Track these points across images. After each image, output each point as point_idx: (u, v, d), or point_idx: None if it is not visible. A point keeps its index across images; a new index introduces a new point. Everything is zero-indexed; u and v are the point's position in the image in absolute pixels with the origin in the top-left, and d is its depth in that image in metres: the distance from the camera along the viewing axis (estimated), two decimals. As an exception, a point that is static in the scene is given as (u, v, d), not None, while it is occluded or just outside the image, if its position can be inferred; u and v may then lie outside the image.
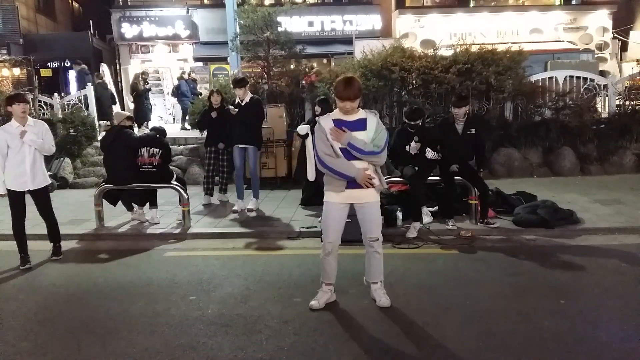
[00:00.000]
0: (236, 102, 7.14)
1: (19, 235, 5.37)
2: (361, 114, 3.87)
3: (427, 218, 5.98)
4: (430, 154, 5.89)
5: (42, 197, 5.47)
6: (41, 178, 5.42)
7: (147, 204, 6.84)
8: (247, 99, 7.07)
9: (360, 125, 3.81)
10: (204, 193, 7.81)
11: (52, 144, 5.50)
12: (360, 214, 3.96)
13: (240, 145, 7.15)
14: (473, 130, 6.04)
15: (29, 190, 5.34)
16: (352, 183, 3.82)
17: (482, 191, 6.11)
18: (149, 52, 18.40)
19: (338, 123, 3.82)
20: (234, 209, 7.25)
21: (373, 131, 3.79)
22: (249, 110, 7.00)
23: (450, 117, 6.24)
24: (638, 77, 10.36)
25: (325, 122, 3.87)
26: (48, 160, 9.76)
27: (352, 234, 5.81)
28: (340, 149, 3.78)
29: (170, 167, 7.29)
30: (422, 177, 6.00)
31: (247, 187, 7.54)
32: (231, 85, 10.16)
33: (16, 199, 5.31)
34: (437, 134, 6.19)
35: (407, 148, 5.99)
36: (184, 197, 6.49)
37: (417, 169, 5.95)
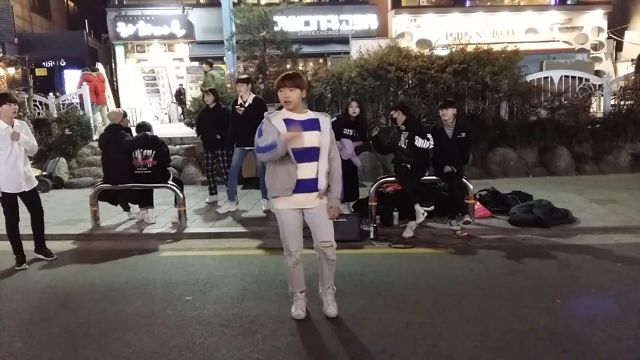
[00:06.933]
0: (239, 102, 6.92)
1: (14, 236, 5.33)
2: (311, 114, 3.64)
3: (421, 218, 5.93)
4: (419, 142, 5.83)
5: (35, 197, 5.44)
6: (33, 178, 5.41)
7: (144, 204, 6.82)
8: (250, 100, 6.85)
9: (314, 125, 3.56)
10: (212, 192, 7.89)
11: (36, 143, 5.48)
12: (309, 219, 3.70)
13: (247, 148, 6.85)
14: (463, 134, 6.07)
15: (22, 192, 5.27)
16: (297, 188, 3.55)
17: (459, 196, 6.12)
18: (144, 52, 18.35)
19: (289, 122, 3.51)
20: (221, 210, 7.12)
21: (328, 133, 3.57)
22: (253, 111, 6.71)
23: (439, 123, 6.27)
24: (633, 77, 10.39)
25: (276, 120, 3.55)
26: (43, 160, 9.81)
27: (348, 234, 5.82)
28: (294, 151, 3.49)
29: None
30: (413, 175, 5.99)
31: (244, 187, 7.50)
32: (228, 85, 10.18)
33: (11, 201, 5.23)
34: (427, 128, 6.21)
35: (399, 143, 6.01)
36: (180, 197, 6.48)
37: (409, 167, 5.96)
